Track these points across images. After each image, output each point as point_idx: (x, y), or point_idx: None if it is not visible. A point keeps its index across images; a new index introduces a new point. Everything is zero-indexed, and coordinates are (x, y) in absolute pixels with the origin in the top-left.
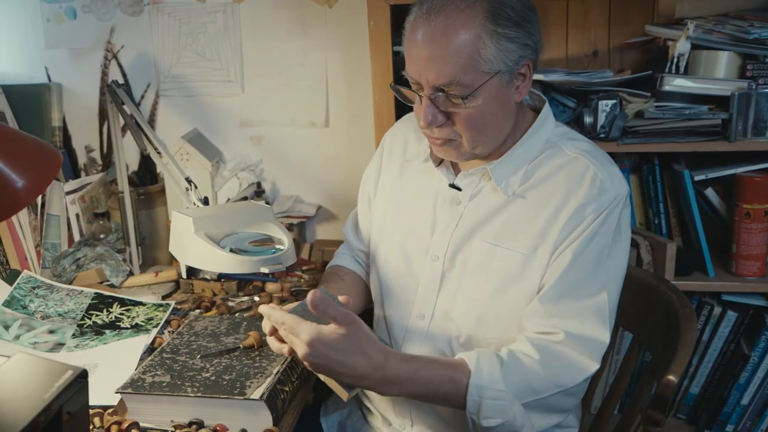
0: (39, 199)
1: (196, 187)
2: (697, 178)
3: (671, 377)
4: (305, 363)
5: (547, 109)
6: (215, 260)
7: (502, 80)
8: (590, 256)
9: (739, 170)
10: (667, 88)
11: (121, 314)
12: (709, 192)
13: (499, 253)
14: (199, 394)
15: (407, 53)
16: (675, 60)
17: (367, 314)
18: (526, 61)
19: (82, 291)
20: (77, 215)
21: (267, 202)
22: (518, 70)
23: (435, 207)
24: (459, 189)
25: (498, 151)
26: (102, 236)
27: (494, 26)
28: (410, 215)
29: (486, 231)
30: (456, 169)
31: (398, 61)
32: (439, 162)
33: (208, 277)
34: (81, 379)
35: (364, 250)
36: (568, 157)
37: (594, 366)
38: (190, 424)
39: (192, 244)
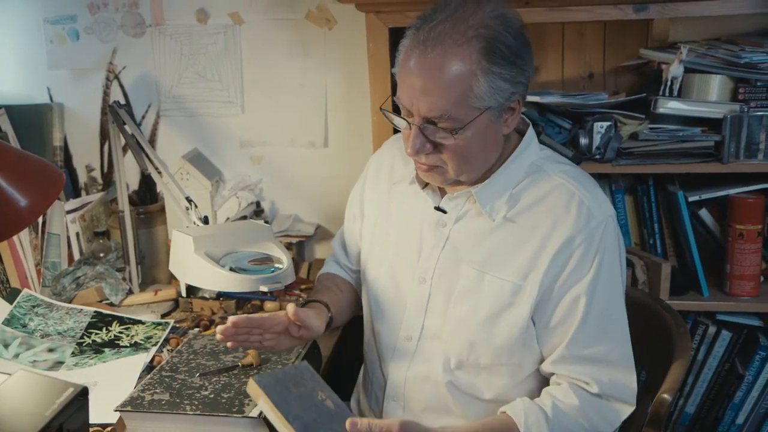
0: (40, 218)
1: (196, 206)
2: (691, 199)
3: (665, 395)
4: None
5: (531, 133)
6: (215, 279)
7: (492, 115)
8: (604, 294)
9: (732, 191)
10: (661, 110)
11: (120, 333)
12: (703, 213)
13: (488, 281)
14: (198, 412)
15: (400, 79)
16: (669, 83)
17: (357, 330)
18: (517, 97)
19: (81, 309)
20: (77, 234)
21: (266, 222)
22: (508, 105)
23: (421, 229)
24: (444, 212)
25: (483, 175)
26: (102, 255)
27: (489, 64)
28: (397, 237)
29: (473, 257)
30: (442, 191)
31: (395, 84)
32: (425, 185)
33: (207, 295)
34: (81, 396)
35: (352, 267)
36: (553, 183)
37: (630, 409)
38: None
39: (192, 263)
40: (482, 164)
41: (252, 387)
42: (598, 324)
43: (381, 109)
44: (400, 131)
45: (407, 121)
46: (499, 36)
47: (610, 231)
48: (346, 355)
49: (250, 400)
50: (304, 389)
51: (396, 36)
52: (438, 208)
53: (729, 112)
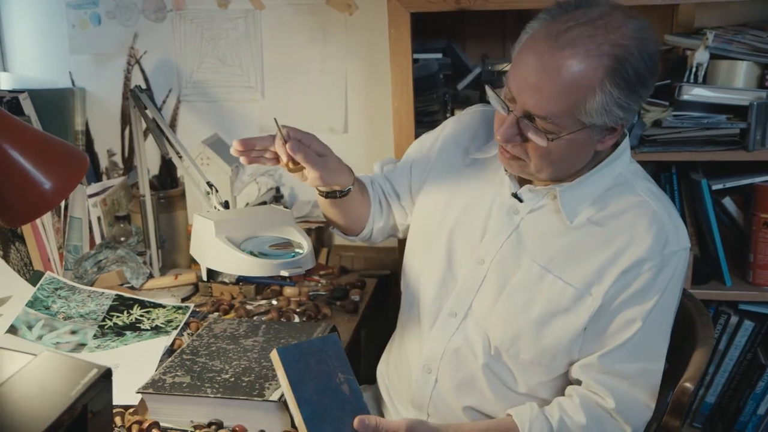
0: (62, 202)
1: (216, 191)
2: (714, 188)
3: (687, 384)
4: None
5: (625, 143)
6: (236, 263)
7: (593, 132)
8: (657, 321)
9: (757, 180)
10: (685, 97)
11: (141, 316)
12: (727, 201)
13: (549, 280)
14: (219, 395)
15: (516, 63)
16: (694, 69)
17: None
18: (623, 122)
19: (103, 293)
20: (99, 218)
21: (285, 207)
22: (612, 126)
23: (491, 210)
24: (521, 200)
25: (569, 175)
26: (123, 239)
27: (611, 86)
28: (462, 211)
29: (537, 252)
30: (523, 179)
31: (417, 69)
32: None
33: (226, 280)
34: (105, 378)
35: (384, 188)
36: (637, 199)
37: None
38: (209, 425)
39: (213, 247)
40: (564, 170)
41: (274, 357)
42: (641, 345)
43: (486, 85)
44: (421, 119)
45: (507, 106)
46: (632, 59)
47: (682, 263)
48: (364, 342)
49: (271, 384)
50: (325, 368)
51: (417, 21)
52: (515, 195)
53: (755, 99)
